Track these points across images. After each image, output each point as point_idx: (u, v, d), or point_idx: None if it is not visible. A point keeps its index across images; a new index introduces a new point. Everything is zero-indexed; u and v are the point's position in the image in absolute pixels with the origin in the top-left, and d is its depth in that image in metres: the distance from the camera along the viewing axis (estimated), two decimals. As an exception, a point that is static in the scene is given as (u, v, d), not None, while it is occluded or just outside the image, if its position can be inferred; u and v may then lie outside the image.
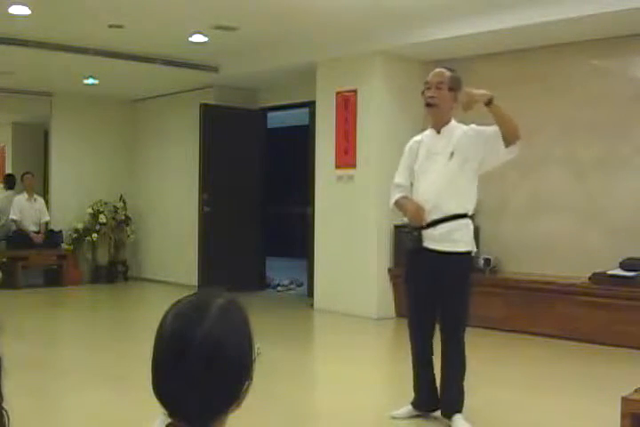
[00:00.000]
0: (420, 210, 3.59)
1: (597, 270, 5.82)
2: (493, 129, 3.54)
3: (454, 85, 3.67)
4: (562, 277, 6.13)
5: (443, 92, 3.65)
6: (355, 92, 7.21)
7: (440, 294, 3.65)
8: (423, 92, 3.72)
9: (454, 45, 6.60)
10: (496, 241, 6.82)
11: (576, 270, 6.09)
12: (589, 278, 5.85)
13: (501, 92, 6.83)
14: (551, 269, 6.39)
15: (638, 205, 6.02)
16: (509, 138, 3.50)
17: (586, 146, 6.34)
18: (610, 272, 5.75)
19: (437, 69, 3.77)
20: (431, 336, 3.71)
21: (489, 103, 3.46)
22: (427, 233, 3.62)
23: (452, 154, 3.62)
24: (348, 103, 7.27)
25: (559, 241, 6.45)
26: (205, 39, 7.14)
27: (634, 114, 6.07)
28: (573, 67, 6.43)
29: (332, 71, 7.46)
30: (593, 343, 5.64)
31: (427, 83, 3.71)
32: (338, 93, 7.36)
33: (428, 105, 3.69)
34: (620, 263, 5.77)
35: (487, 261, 6.59)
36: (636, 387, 2.88)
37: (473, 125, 3.69)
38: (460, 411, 3.62)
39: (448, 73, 3.71)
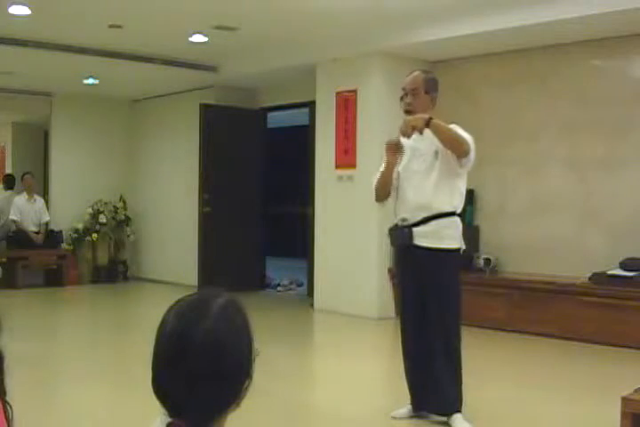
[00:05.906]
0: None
1: (597, 270, 5.82)
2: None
3: (430, 88, 3.75)
4: (562, 277, 6.12)
5: (419, 97, 3.72)
6: (355, 92, 7.21)
7: (430, 291, 3.66)
8: (402, 98, 3.78)
9: (454, 45, 6.61)
10: (496, 241, 6.83)
11: (576, 270, 6.09)
12: (589, 278, 5.85)
13: (501, 92, 6.92)
14: (551, 269, 6.39)
15: (638, 205, 6.02)
16: (456, 154, 3.56)
17: (586, 146, 6.34)
18: (610, 272, 5.74)
19: (412, 74, 3.82)
20: (423, 334, 3.67)
21: (427, 125, 3.51)
22: (416, 230, 3.67)
23: (436, 153, 3.65)
24: (348, 103, 7.27)
25: (559, 241, 6.45)
26: (205, 39, 7.14)
27: (634, 114, 6.08)
28: (573, 67, 6.43)
29: (332, 71, 7.46)
30: (593, 343, 5.64)
31: (403, 89, 3.79)
32: (338, 93, 7.36)
33: (407, 112, 3.75)
34: (620, 263, 5.77)
35: (487, 261, 6.60)
36: (635, 387, 2.88)
37: (454, 126, 3.68)
38: (459, 410, 3.62)
39: (422, 76, 3.77)
